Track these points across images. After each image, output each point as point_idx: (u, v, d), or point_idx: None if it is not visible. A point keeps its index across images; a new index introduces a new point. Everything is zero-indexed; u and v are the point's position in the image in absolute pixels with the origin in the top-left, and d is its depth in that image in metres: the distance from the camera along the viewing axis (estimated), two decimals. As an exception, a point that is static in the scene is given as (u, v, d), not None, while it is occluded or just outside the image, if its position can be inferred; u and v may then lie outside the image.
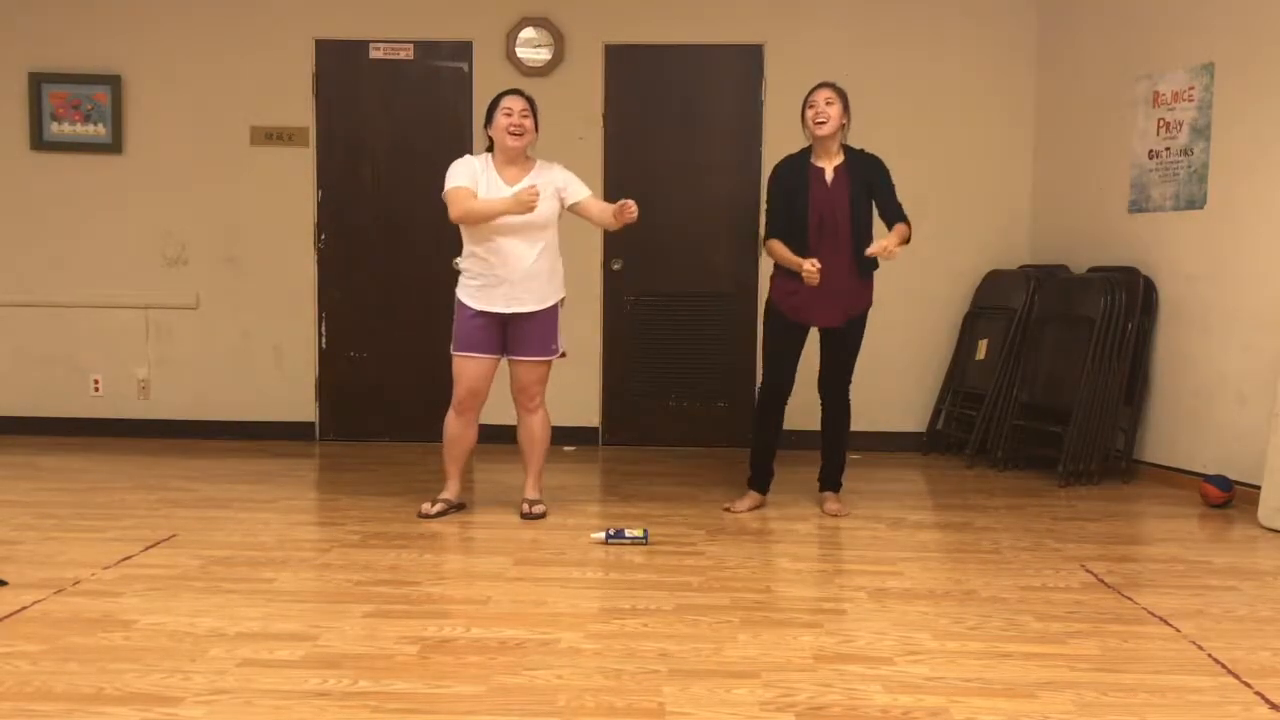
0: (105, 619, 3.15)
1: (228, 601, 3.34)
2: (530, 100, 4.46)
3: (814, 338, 4.65)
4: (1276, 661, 2.94)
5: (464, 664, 2.84)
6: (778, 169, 4.63)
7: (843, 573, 3.81)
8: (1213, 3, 5.11)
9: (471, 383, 4.45)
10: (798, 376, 4.67)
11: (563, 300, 4.51)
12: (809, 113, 4.47)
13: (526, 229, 4.32)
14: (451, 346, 4.47)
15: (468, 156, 4.49)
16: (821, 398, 4.68)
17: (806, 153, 4.56)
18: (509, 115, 4.36)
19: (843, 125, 4.48)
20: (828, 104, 4.44)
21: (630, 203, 4.27)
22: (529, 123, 4.38)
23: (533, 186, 4.23)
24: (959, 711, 2.57)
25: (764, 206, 4.71)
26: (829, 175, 4.48)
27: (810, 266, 4.33)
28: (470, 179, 4.36)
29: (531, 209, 4.20)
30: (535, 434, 4.54)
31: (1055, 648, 3.02)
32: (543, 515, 4.48)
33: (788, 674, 2.80)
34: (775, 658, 2.91)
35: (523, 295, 4.38)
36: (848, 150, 4.54)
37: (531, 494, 4.57)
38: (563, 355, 4.54)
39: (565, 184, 4.44)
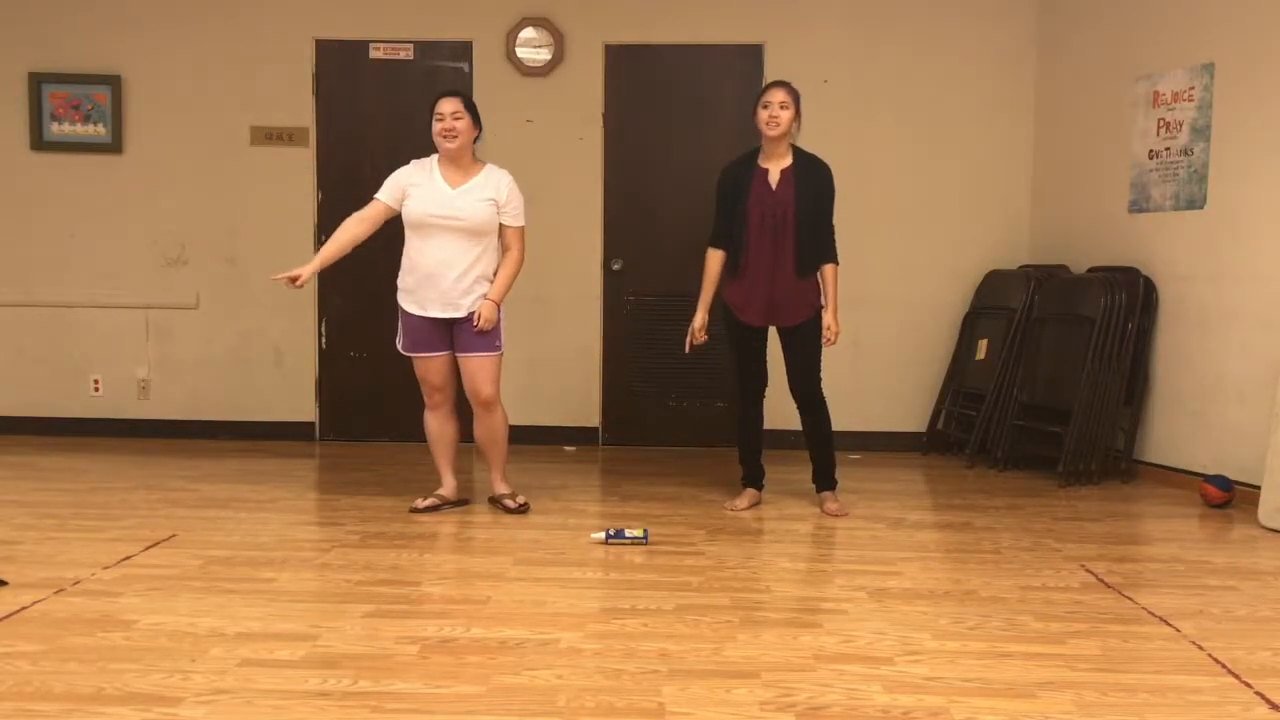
0: (105, 619, 3.15)
1: (228, 601, 3.34)
2: (466, 101, 4.45)
3: (775, 340, 4.68)
4: (1276, 661, 2.94)
5: (464, 664, 2.84)
6: (725, 171, 4.67)
7: (843, 573, 3.81)
8: (1213, 3, 5.10)
9: (434, 379, 4.51)
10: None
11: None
12: (762, 113, 4.47)
13: (460, 234, 4.33)
14: (400, 346, 4.51)
15: (411, 163, 4.51)
16: (795, 399, 4.67)
17: (754, 154, 4.58)
18: (440, 120, 4.38)
19: (793, 128, 4.50)
20: (782, 107, 4.45)
21: (482, 315, 4.35)
22: (460, 124, 4.37)
23: (296, 276, 4.37)
24: (959, 711, 2.58)
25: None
26: (774, 177, 4.50)
27: (697, 327, 4.62)
28: (395, 191, 4.43)
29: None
30: (496, 433, 4.55)
31: (1055, 648, 3.02)
32: (525, 506, 4.52)
33: (788, 674, 2.80)
34: (775, 658, 2.91)
35: (457, 300, 4.38)
36: (797, 152, 4.54)
37: (502, 488, 4.59)
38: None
39: (505, 202, 4.41)
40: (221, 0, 6.29)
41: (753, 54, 6.27)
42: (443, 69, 6.31)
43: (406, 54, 6.30)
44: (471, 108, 4.45)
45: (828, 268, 4.54)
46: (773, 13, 6.25)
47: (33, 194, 6.36)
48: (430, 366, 4.49)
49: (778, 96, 4.46)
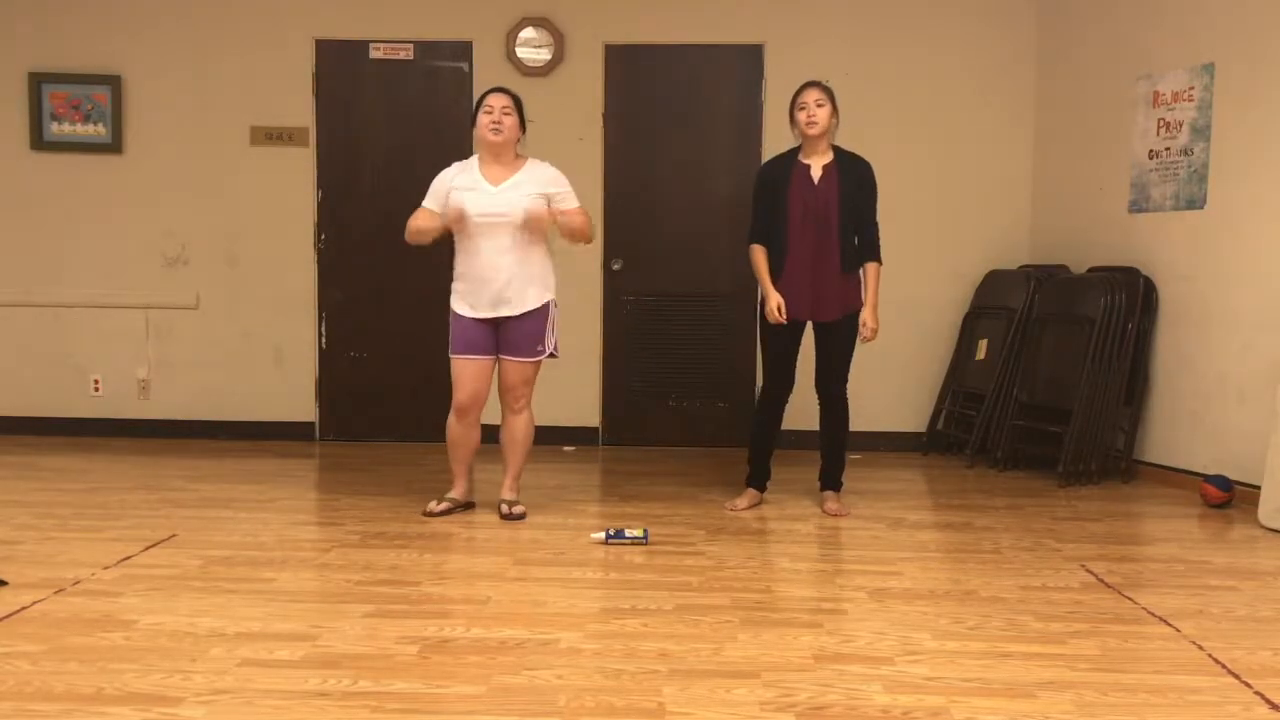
0: (105, 619, 3.15)
1: (228, 601, 3.34)
2: (514, 97, 4.45)
3: (808, 338, 4.67)
4: (1276, 661, 2.94)
5: (464, 664, 2.84)
6: (764, 169, 4.72)
7: (843, 573, 3.81)
8: (1213, 3, 5.11)
9: (471, 385, 4.44)
10: (797, 377, 4.69)
11: (555, 302, 4.47)
12: (800, 114, 4.51)
13: (506, 231, 4.31)
14: (450, 349, 4.48)
15: (452, 166, 4.49)
16: (819, 396, 4.69)
17: (794, 152, 4.61)
18: (489, 113, 4.36)
19: (832, 125, 4.51)
20: (818, 105, 4.48)
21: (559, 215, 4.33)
22: (509, 120, 4.36)
23: (460, 211, 4.27)
24: (959, 711, 2.57)
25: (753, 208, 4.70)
26: (816, 173, 4.52)
27: (775, 306, 4.48)
28: (440, 197, 4.40)
29: (452, 225, 4.28)
30: (518, 435, 4.53)
31: (1055, 648, 3.02)
32: (522, 516, 4.48)
33: (788, 674, 2.80)
34: (775, 658, 2.91)
35: (508, 298, 4.36)
36: (837, 150, 4.57)
37: (509, 494, 4.55)
38: (552, 356, 4.51)
39: (556, 191, 4.40)
40: (221, 0, 6.29)
41: (753, 54, 6.27)
42: (443, 69, 6.32)
43: (406, 54, 6.30)
44: (520, 108, 4.43)
45: (871, 265, 4.55)
46: (773, 13, 6.25)
47: (33, 194, 6.35)
48: (468, 371, 4.43)
49: (813, 95, 4.49)
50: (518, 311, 4.37)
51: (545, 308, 4.43)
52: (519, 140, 4.44)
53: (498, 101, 4.38)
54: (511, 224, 4.31)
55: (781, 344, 4.63)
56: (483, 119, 4.37)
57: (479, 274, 4.36)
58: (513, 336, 4.41)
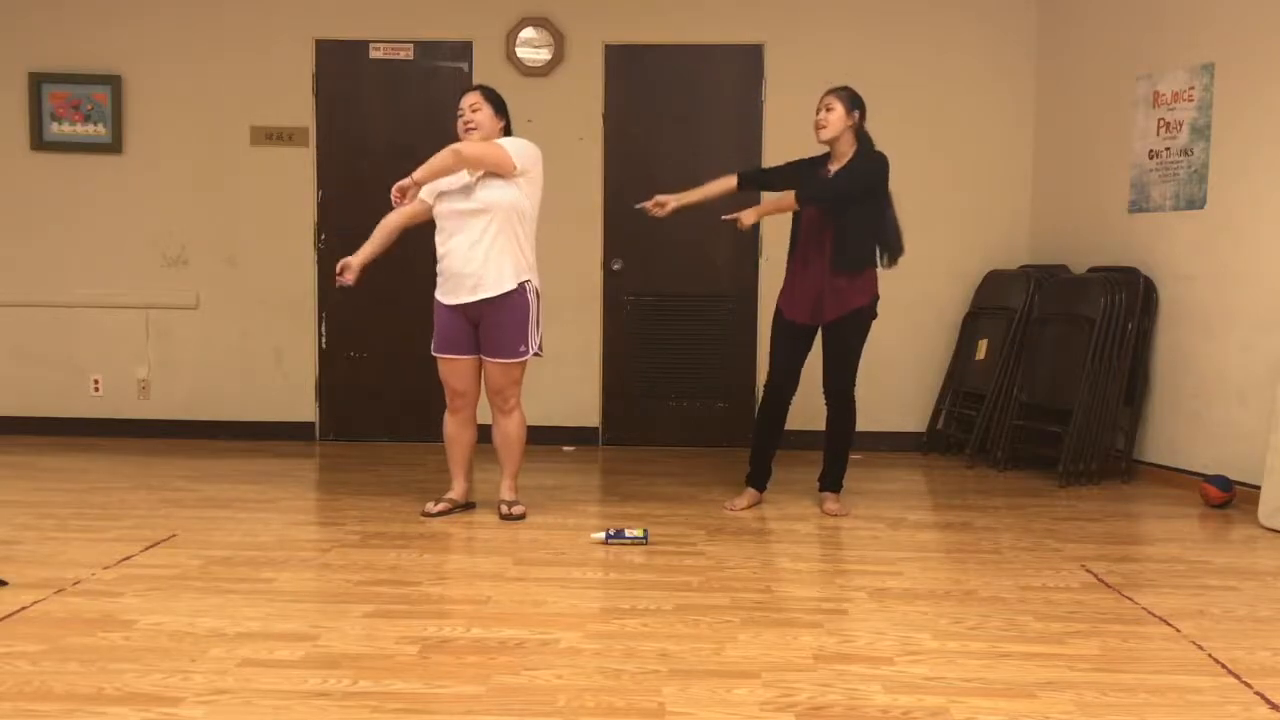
0: (105, 619, 3.15)
1: (228, 601, 3.34)
2: (484, 91, 4.47)
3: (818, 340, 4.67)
4: (1276, 661, 2.94)
5: (464, 664, 2.84)
6: (803, 159, 4.71)
7: (843, 573, 3.81)
8: (1213, 3, 5.11)
9: (455, 383, 4.47)
10: (801, 379, 4.69)
11: (537, 293, 4.42)
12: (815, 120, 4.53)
13: (465, 213, 4.33)
14: (432, 348, 4.49)
15: None
16: (825, 397, 4.68)
17: (825, 158, 4.61)
18: (461, 115, 4.43)
19: (849, 126, 4.48)
20: (828, 110, 4.48)
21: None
22: (479, 116, 4.40)
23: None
24: (959, 711, 2.57)
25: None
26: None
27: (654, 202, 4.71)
28: (431, 187, 4.45)
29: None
30: (510, 437, 4.52)
31: (1055, 648, 3.02)
32: (522, 516, 4.48)
33: (788, 674, 2.80)
34: (775, 658, 2.91)
35: (480, 281, 4.32)
36: (859, 153, 4.50)
37: (508, 495, 4.55)
38: (537, 355, 4.47)
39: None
40: (221, 0, 6.29)
41: (753, 54, 6.27)
42: (443, 69, 6.31)
43: (406, 54, 6.30)
44: (492, 99, 4.45)
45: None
46: (773, 13, 6.25)
47: (33, 194, 6.36)
48: (453, 369, 4.46)
49: (823, 101, 4.51)
50: (494, 293, 4.33)
51: (523, 294, 4.37)
52: (501, 132, 4.45)
53: (465, 101, 4.44)
54: (471, 209, 4.32)
55: (782, 344, 4.63)
56: (458, 122, 4.44)
57: (452, 264, 4.37)
58: (493, 335, 4.38)
